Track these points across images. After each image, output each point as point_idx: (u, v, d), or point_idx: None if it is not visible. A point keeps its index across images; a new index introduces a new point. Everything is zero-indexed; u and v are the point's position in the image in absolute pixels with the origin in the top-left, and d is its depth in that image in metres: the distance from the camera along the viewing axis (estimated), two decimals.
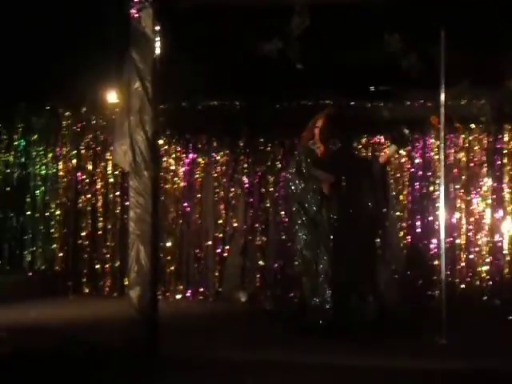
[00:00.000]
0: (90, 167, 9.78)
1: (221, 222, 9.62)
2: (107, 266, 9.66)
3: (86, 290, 9.64)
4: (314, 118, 7.30)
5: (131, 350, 5.68)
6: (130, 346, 5.73)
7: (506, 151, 9.12)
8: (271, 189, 9.58)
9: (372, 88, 8.80)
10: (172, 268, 9.61)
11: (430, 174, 9.29)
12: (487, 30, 6.99)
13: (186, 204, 9.70)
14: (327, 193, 7.05)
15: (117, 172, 9.61)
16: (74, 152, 9.79)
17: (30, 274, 9.70)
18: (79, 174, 9.78)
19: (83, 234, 9.73)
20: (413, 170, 9.37)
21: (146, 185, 5.93)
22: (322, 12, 6.29)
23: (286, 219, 9.36)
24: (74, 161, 9.79)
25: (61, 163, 9.83)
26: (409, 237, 9.30)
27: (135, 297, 5.92)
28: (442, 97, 6.51)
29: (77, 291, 9.57)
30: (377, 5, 6.35)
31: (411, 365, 5.57)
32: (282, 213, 9.48)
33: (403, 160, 9.38)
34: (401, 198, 9.38)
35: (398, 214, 9.25)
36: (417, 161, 9.36)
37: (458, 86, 7.54)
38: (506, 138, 9.12)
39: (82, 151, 9.80)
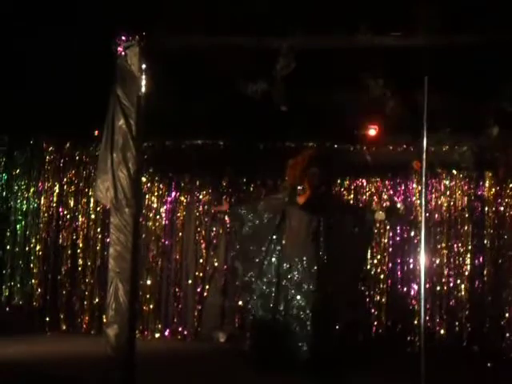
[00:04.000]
0: (71, 203, 9.75)
1: (201, 261, 9.59)
2: (86, 302, 9.58)
3: (64, 327, 9.53)
4: (298, 158, 7.32)
5: None
6: None
7: (486, 197, 9.18)
8: None
9: (355, 132, 8.86)
10: (151, 306, 9.54)
11: (411, 218, 9.32)
12: (469, 79, 7.08)
13: (167, 242, 9.67)
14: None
15: (98, 208, 9.58)
16: (56, 187, 9.76)
17: (8, 309, 9.59)
18: (61, 209, 9.74)
19: (63, 269, 9.66)
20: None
21: (126, 222, 5.92)
22: (307, 55, 6.35)
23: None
24: (56, 196, 9.76)
25: (42, 198, 9.78)
26: (389, 281, 9.30)
27: (112, 335, 5.87)
28: (424, 142, 6.56)
29: (54, 328, 9.46)
30: (362, 50, 6.41)
31: None
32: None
33: (384, 204, 9.41)
34: (382, 241, 9.40)
35: (378, 257, 9.31)
36: (398, 205, 9.39)
37: (440, 132, 7.61)
38: (486, 185, 9.19)
39: (65, 186, 9.77)
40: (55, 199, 9.77)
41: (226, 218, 9.48)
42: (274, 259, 7.21)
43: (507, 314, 8.72)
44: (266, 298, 7.18)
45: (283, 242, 7.23)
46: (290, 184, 7.29)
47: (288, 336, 6.98)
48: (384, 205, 9.10)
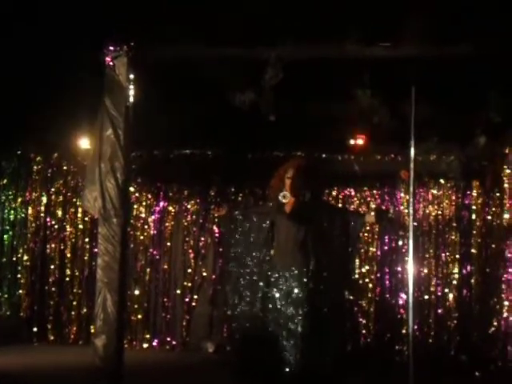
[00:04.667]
0: (59, 213, 9.72)
1: (190, 271, 9.58)
2: (73, 313, 9.55)
3: (51, 338, 9.49)
4: (283, 167, 7.31)
5: None
6: None
7: (474, 207, 9.22)
8: None
9: (343, 141, 8.88)
10: (139, 316, 9.52)
11: (399, 227, 9.35)
12: (457, 88, 7.11)
13: (155, 252, 9.66)
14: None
15: (86, 218, 9.56)
16: (44, 197, 9.73)
17: None
18: (48, 219, 9.71)
19: (50, 280, 9.62)
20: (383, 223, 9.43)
21: (114, 232, 5.92)
22: (295, 65, 6.37)
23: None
24: (44, 206, 9.73)
25: (30, 208, 9.75)
26: (377, 290, 9.32)
27: (100, 345, 5.86)
28: (412, 152, 6.59)
29: (42, 338, 9.43)
30: (350, 60, 6.44)
31: None
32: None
33: (373, 213, 9.42)
34: (370, 251, 9.43)
35: (367, 267, 9.34)
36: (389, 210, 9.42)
37: (428, 141, 7.64)
38: (474, 194, 9.23)
39: (52, 196, 9.74)
40: (43, 209, 9.74)
41: (215, 227, 9.50)
42: (263, 268, 7.20)
43: (495, 323, 8.73)
44: (255, 306, 7.17)
45: (271, 251, 7.21)
46: (273, 193, 7.28)
47: (276, 347, 6.96)
48: (374, 207, 9.13)
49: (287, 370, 6.78)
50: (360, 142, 8.78)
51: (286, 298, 6.98)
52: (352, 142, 8.87)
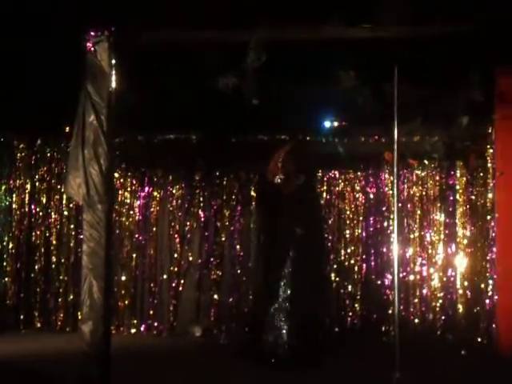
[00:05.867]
0: (44, 200, 9.68)
1: (176, 255, 9.58)
2: (60, 300, 9.53)
3: (38, 325, 9.48)
4: (277, 152, 7.34)
5: None
6: (82, 381, 5.65)
7: (458, 187, 9.26)
8: (227, 223, 9.59)
9: (327, 124, 8.88)
10: (126, 302, 9.52)
11: (383, 208, 9.39)
12: (440, 68, 7.12)
13: (141, 238, 9.65)
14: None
15: (71, 205, 9.52)
16: (28, 184, 9.69)
17: None
18: (33, 206, 9.67)
19: (36, 267, 9.60)
20: (367, 204, 9.47)
21: (99, 218, 5.91)
22: (277, 48, 6.36)
23: (241, 253, 9.43)
24: (28, 193, 9.69)
25: (14, 196, 9.70)
26: (363, 271, 9.37)
27: (87, 331, 5.86)
28: (396, 133, 6.60)
29: (29, 325, 9.42)
30: (332, 42, 6.43)
31: None
32: (238, 247, 9.50)
33: (357, 195, 9.47)
34: (356, 232, 9.47)
35: (352, 248, 9.39)
36: (371, 196, 9.46)
37: (411, 122, 7.65)
38: (458, 174, 9.26)
39: (37, 184, 9.70)
40: (27, 197, 9.69)
41: (200, 211, 9.52)
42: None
43: (480, 302, 8.78)
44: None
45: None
46: (270, 177, 7.33)
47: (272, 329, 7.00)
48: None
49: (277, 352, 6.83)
50: (343, 124, 8.79)
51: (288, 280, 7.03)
52: (336, 124, 8.87)
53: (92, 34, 5.96)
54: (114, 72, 5.98)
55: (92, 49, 5.94)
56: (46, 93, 8.20)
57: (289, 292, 6.95)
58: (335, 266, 9.42)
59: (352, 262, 9.41)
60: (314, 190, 7.80)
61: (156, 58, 6.88)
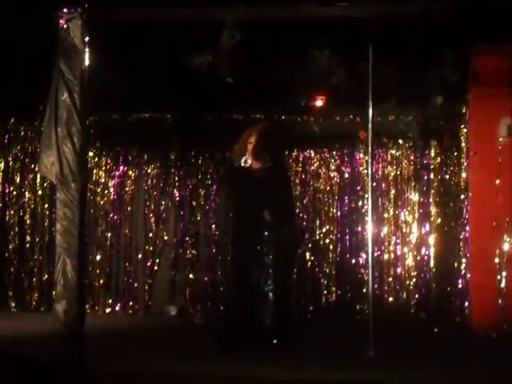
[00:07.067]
0: (17, 179, 9.61)
1: (151, 235, 9.57)
2: (35, 279, 9.50)
3: (13, 305, 9.45)
4: (246, 132, 7.27)
5: (57, 364, 5.59)
6: (56, 360, 5.64)
7: (432, 166, 9.31)
8: (202, 202, 9.59)
9: (302, 103, 8.87)
10: (101, 281, 9.51)
11: (358, 188, 9.42)
12: (415, 48, 7.13)
13: (115, 217, 9.63)
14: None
15: (46, 184, 9.47)
16: (2, 164, 9.61)
17: None
18: (7, 185, 9.60)
19: (10, 246, 9.54)
20: (342, 184, 9.51)
21: (73, 197, 5.86)
22: (252, 27, 6.33)
23: (217, 232, 9.44)
24: (1, 173, 9.61)
25: None
26: (338, 250, 9.41)
27: (61, 311, 5.83)
28: (370, 112, 6.61)
29: (3, 306, 9.38)
30: (307, 21, 6.42)
31: (338, 376, 5.60)
32: (213, 226, 9.51)
33: (332, 174, 9.50)
34: (330, 211, 9.50)
35: (327, 227, 9.42)
36: (346, 175, 9.49)
37: (386, 102, 7.66)
38: (432, 154, 9.31)
39: (10, 163, 9.62)
40: (1, 176, 9.62)
41: (175, 191, 9.51)
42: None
43: (453, 281, 8.86)
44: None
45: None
46: (236, 158, 7.26)
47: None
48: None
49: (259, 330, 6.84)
50: (318, 103, 8.79)
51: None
52: (311, 103, 8.86)
53: (65, 10, 5.88)
54: (87, 49, 5.91)
55: (65, 26, 5.87)
56: (18, 71, 8.12)
57: (261, 273, 6.93)
58: (310, 246, 9.45)
59: (327, 241, 9.45)
60: (285, 172, 7.73)
61: (130, 36, 6.82)
